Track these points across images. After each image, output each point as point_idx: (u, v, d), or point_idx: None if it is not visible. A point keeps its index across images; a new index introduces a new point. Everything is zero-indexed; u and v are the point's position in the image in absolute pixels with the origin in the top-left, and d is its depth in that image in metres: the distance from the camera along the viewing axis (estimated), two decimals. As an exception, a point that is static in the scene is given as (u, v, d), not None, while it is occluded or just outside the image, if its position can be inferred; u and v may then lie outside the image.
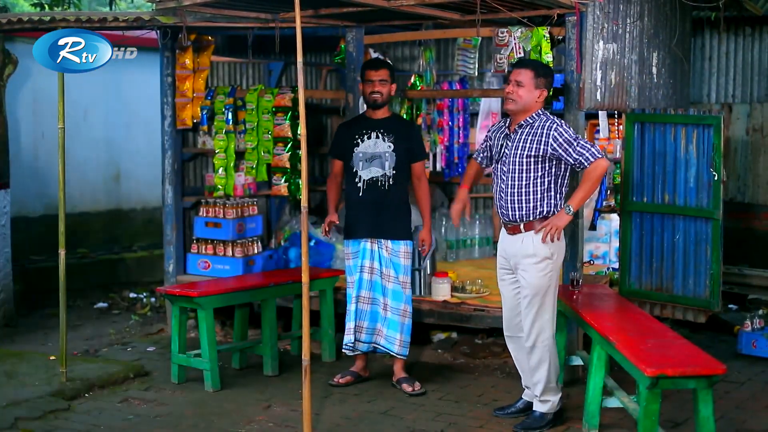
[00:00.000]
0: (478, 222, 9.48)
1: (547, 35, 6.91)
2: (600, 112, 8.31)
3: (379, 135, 6.73)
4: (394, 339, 6.71)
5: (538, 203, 5.75)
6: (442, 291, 7.44)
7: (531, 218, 5.77)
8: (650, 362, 5.01)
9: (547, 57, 6.88)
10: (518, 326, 6.02)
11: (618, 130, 8.40)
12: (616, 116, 8.42)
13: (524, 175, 5.74)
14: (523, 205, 5.77)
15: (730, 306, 9.11)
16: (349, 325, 6.74)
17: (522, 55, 7.09)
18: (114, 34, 8.65)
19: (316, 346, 7.44)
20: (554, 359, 5.92)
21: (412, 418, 6.13)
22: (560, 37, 7.04)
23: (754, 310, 8.40)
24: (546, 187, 5.76)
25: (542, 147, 5.68)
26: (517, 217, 5.80)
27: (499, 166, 5.88)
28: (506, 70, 7.25)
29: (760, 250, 10.53)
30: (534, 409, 6.00)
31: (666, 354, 5.22)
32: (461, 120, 9.66)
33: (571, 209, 5.67)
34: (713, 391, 5.07)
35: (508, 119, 5.97)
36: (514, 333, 6.08)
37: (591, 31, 6.80)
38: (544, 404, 5.95)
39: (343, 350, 6.85)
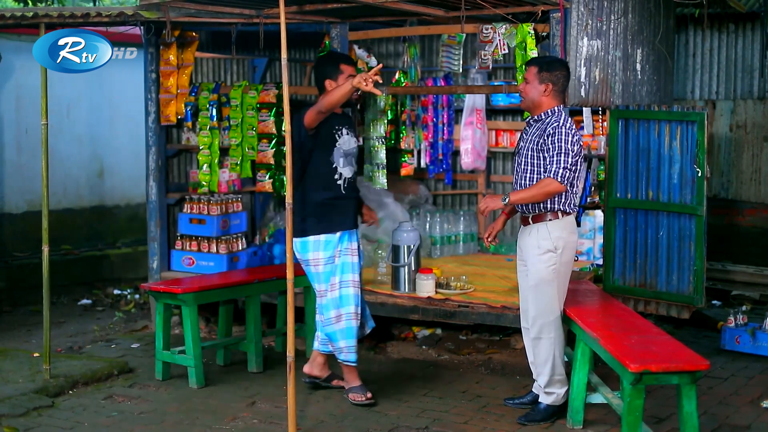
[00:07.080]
0: (462, 218, 9.47)
1: (532, 32, 6.91)
2: (584, 108, 8.33)
3: (350, 132, 6.44)
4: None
5: None
6: (426, 287, 7.43)
7: (538, 211, 5.86)
8: (634, 358, 5.03)
9: (532, 53, 6.89)
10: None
11: (602, 126, 8.42)
12: (600, 112, 8.44)
13: (533, 168, 5.87)
14: None
15: (714, 302, 9.15)
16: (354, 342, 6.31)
17: (506, 51, 7.10)
18: (100, 29, 8.61)
19: (300, 342, 7.44)
20: (559, 354, 5.96)
21: (396, 414, 6.13)
22: (545, 34, 7.04)
23: (738, 306, 8.41)
24: None
25: (541, 140, 5.82)
26: (525, 209, 5.92)
27: (515, 159, 6.06)
28: (490, 67, 7.27)
29: (743, 246, 10.59)
30: (539, 401, 6.04)
31: (650, 350, 5.24)
32: (446, 116, 9.65)
33: (507, 199, 5.84)
34: (697, 387, 5.09)
35: None
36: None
37: (575, 28, 6.81)
38: (549, 396, 5.99)
39: (350, 364, 6.38)
